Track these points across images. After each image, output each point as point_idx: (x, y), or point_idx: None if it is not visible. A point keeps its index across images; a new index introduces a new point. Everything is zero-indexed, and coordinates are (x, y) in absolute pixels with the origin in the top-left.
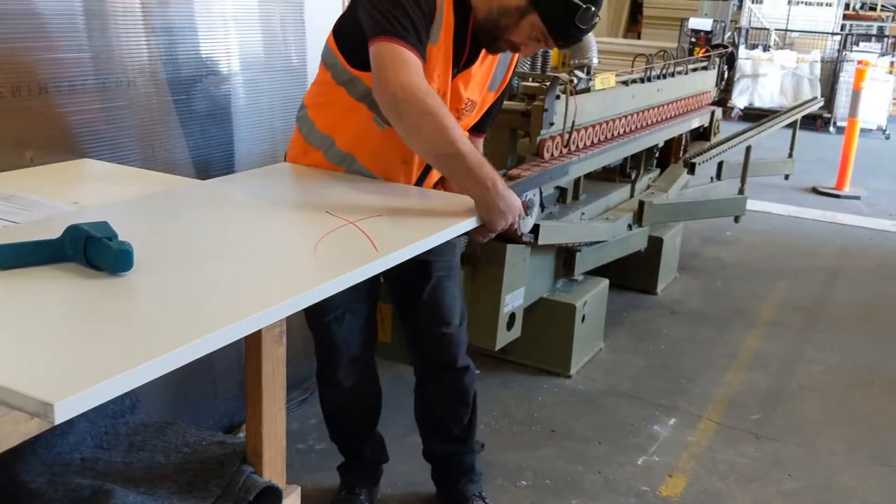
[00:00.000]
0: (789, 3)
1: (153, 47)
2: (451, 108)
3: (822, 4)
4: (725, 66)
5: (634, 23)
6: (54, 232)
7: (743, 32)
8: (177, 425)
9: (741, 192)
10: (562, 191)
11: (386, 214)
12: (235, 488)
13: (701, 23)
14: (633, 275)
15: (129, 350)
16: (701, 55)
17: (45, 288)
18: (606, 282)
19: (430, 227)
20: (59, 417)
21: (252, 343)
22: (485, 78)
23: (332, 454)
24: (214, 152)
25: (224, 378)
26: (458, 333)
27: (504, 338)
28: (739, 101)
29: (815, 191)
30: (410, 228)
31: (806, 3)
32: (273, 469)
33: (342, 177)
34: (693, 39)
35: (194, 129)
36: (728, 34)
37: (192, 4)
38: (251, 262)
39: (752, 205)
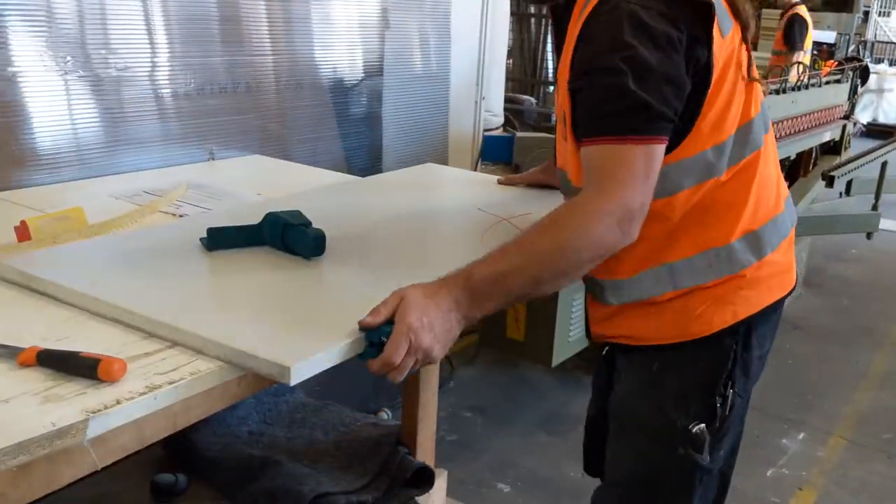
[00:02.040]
0: None
1: (318, 53)
2: (557, 128)
3: None
4: (859, 80)
5: None
6: (244, 219)
7: (868, 46)
8: (333, 405)
9: (875, 208)
10: None
11: (535, 212)
12: (392, 467)
13: (824, 35)
14: None
15: (340, 324)
16: (834, 68)
17: (252, 269)
18: None
19: None
20: (295, 379)
21: None
22: (564, 70)
23: (462, 446)
24: (365, 153)
25: (362, 367)
26: None
27: None
28: (862, 116)
29: None
30: None
31: None
32: (425, 451)
33: (484, 177)
34: (815, 52)
35: (349, 131)
36: (852, 47)
37: (351, 15)
38: (423, 251)
39: (881, 223)
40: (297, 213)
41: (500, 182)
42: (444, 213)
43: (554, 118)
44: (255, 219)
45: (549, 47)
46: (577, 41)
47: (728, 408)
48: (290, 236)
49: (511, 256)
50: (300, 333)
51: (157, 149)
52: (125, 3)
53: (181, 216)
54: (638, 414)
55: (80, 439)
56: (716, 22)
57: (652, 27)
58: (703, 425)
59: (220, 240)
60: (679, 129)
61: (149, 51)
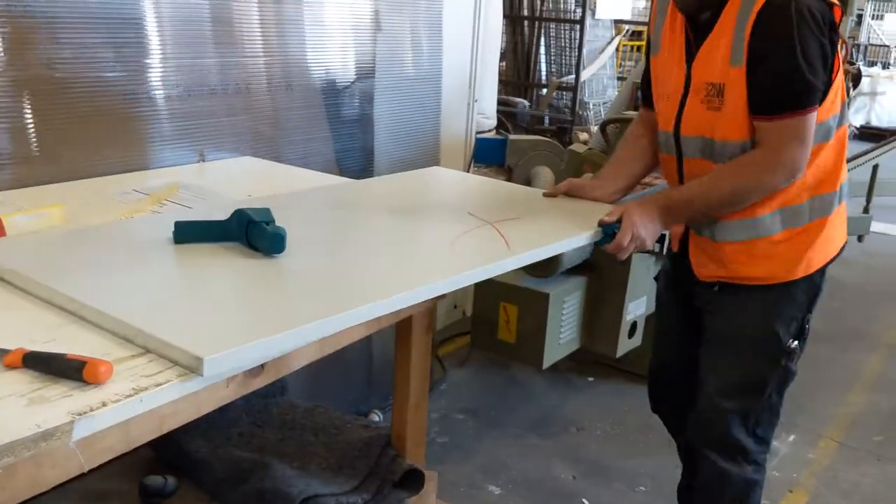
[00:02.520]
0: None
1: (309, 55)
2: (694, 100)
3: None
4: (851, 84)
5: None
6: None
7: (861, 49)
8: (323, 408)
9: (866, 211)
10: None
11: (525, 217)
12: (382, 469)
13: None
14: None
15: (275, 320)
16: None
17: (209, 263)
18: None
19: (564, 231)
20: (208, 371)
21: (402, 332)
22: (724, 53)
23: (454, 448)
24: (356, 155)
25: (353, 370)
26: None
27: (625, 346)
28: (855, 119)
29: None
30: (544, 231)
31: None
32: (415, 453)
33: (492, 182)
34: None
35: (341, 133)
36: (845, 51)
37: (343, 17)
38: (394, 252)
39: (871, 226)
40: (266, 211)
41: (545, 195)
42: (430, 217)
43: (552, 112)
44: None
45: (542, 50)
46: (754, 29)
47: (809, 326)
48: (252, 233)
49: (701, 189)
50: (230, 326)
51: (148, 150)
52: (117, 4)
53: None
54: (752, 335)
55: (65, 441)
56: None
57: (813, 20)
58: (796, 342)
59: (187, 233)
60: None
61: (141, 52)
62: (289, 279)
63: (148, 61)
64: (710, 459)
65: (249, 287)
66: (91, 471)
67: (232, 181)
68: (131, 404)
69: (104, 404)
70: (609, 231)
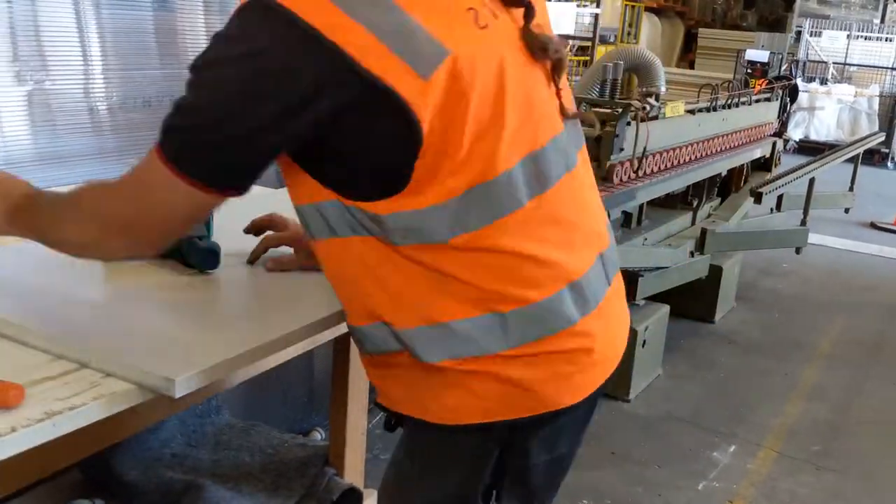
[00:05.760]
0: (848, 37)
1: None
2: None
3: (881, 39)
4: (788, 98)
5: (687, 52)
6: None
7: (800, 65)
8: (260, 427)
9: (803, 223)
10: (627, 216)
11: None
12: (319, 489)
13: (757, 54)
14: (691, 303)
15: (227, 337)
16: (764, 86)
17: (146, 281)
18: (667, 308)
19: None
20: (179, 392)
21: (340, 349)
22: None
23: None
24: None
25: (294, 386)
26: None
27: None
28: (795, 133)
29: (872, 226)
30: None
31: (865, 38)
32: (354, 472)
33: None
34: (749, 71)
35: None
36: (785, 66)
37: None
38: None
39: (809, 238)
40: (199, 226)
41: (268, 269)
42: None
43: None
44: None
45: None
46: None
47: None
48: (185, 248)
49: (49, 204)
50: (186, 346)
51: (86, 164)
52: (57, 14)
53: None
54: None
55: None
56: None
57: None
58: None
59: None
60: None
61: (80, 63)
62: (230, 296)
63: (77, 71)
64: None
65: (197, 305)
66: (15, 494)
67: None
68: (43, 429)
69: (13, 429)
70: None
